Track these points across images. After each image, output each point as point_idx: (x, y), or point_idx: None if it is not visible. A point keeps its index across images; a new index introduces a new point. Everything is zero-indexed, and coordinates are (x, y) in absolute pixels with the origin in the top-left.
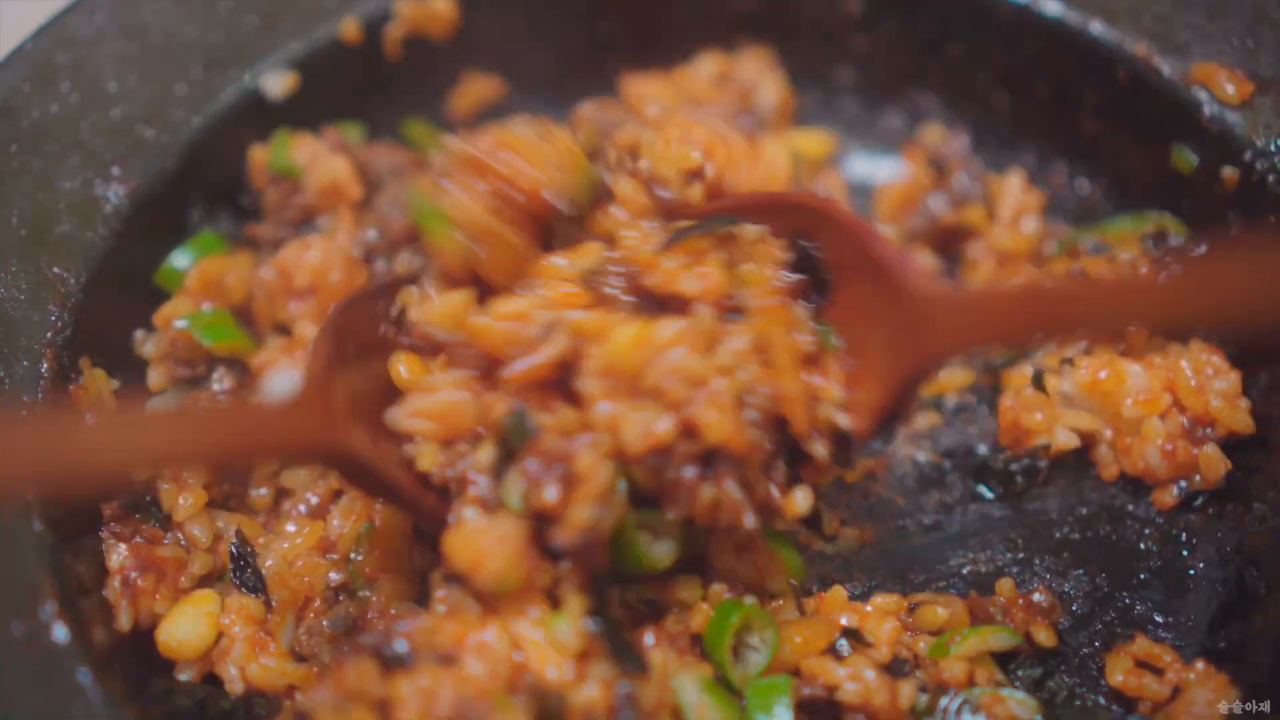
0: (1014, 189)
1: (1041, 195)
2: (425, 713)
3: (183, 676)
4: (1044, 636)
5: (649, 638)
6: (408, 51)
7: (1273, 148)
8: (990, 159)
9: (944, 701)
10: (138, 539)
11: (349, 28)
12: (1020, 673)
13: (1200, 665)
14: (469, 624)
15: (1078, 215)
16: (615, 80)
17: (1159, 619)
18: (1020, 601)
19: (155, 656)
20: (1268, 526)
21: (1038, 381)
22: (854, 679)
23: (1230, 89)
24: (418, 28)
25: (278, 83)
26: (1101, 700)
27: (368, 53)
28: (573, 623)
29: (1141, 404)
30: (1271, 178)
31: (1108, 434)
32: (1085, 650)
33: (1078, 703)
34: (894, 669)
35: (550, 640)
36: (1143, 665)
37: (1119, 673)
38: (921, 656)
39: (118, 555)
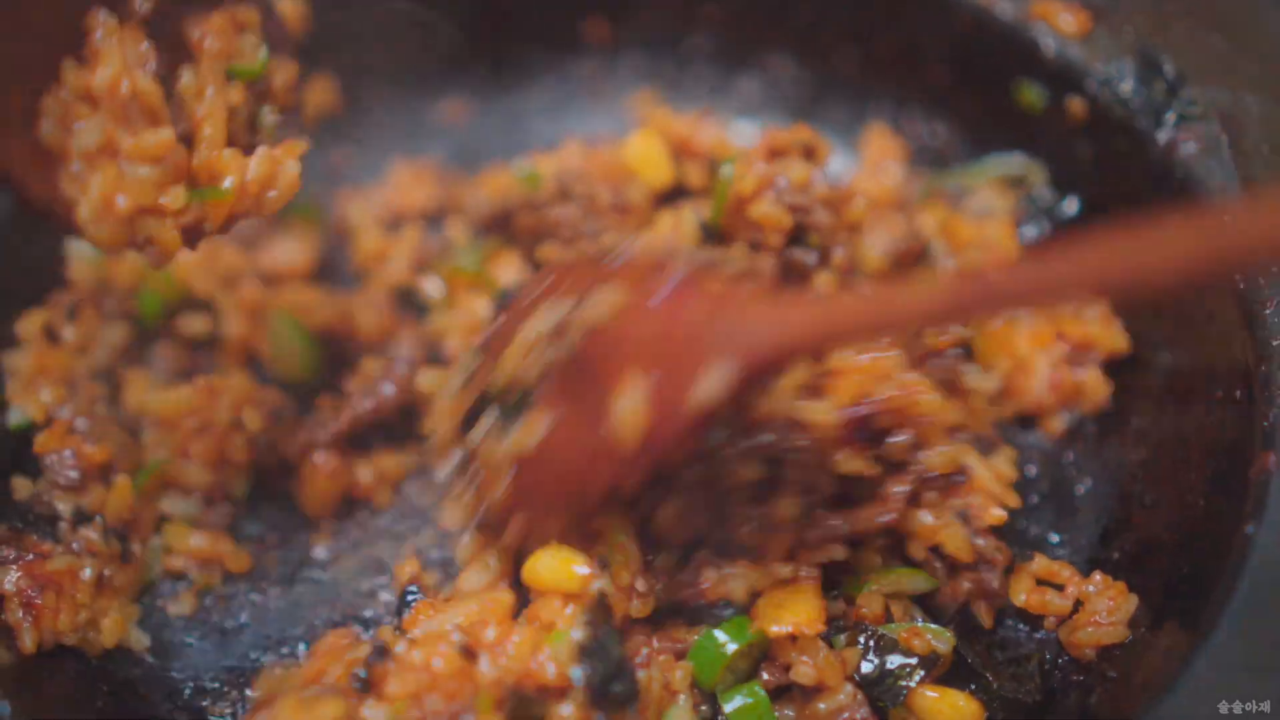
0: (877, 136)
1: (902, 144)
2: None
3: None
4: (983, 614)
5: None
6: None
7: (1115, 73)
8: (846, 114)
9: (861, 638)
10: (28, 557)
11: None
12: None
13: (1098, 576)
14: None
15: (936, 162)
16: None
17: (1054, 539)
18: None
19: (65, 674)
20: (1146, 440)
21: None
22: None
23: (1069, 20)
24: None
25: None
26: (1009, 621)
27: None
28: (569, 644)
29: (1033, 340)
30: (1116, 105)
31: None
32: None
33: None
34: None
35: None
36: (1044, 583)
37: (1022, 592)
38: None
39: (10, 578)
